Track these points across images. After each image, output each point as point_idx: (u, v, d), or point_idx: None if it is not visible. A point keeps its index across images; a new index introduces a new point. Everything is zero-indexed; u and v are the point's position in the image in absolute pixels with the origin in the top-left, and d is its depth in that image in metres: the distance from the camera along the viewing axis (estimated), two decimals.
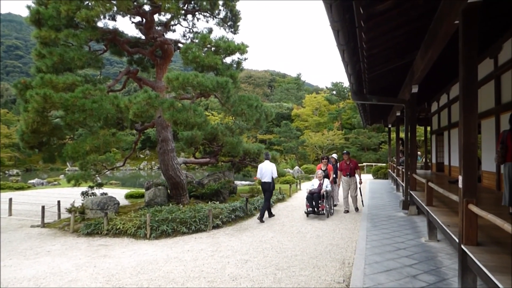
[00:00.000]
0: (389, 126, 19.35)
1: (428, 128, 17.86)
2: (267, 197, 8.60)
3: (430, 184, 6.10)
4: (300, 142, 36.81)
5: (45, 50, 7.77)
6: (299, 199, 12.02)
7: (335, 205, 9.90)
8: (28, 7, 8.21)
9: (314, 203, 8.57)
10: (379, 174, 20.58)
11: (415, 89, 7.87)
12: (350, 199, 9.56)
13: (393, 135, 22.29)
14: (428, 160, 17.62)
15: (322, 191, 8.63)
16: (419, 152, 26.60)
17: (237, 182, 16.58)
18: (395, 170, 14.26)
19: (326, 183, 8.88)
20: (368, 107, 13.56)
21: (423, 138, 22.17)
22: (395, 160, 15.28)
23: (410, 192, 8.41)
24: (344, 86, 51.64)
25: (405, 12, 4.95)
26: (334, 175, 9.91)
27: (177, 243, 6.63)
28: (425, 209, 6.12)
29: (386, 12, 4.67)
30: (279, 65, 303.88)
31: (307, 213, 8.69)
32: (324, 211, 8.55)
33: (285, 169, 17.81)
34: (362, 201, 9.93)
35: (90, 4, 7.82)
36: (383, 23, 4.97)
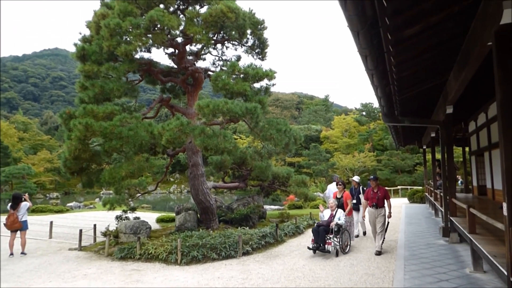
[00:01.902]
0: (424, 147, 18.62)
1: (467, 149, 16.99)
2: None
3: (471, 210, 5.74)
4: (330, 164, 36.17)
5: (88, 83, 8.37)
6: None
7: (356, 235, 8.76)
8: (75, 44, 8.98)
9: (320, 237, 7.27)
10: (415, 198, 19.63)
11: (449, 110, 7.60)
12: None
13: (429, 156, 21.37)
14: (468, 183, 16.63)
15: (332, 224, 7.36)
16: (458, 176, 25.23)
17: (266, 207, 16.44)
18: (433, 194, 13.57)
19: (339, 214, 7.57)
20: (400, 129, 13.19)
21: (461, 159, 21.07)
22: (432, 183, 14.58)
23: (450, 218, 7.93)
24: (374, 106, 50.75)
25: (435, 35, 4.89)
26: (354, 203, 8.59)
27: (207, 270, 6.61)
28: (468, 237, 5.73)
29: (415, 36, 4.63)
30: (307, 87, 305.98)
31: (311, 249, 7.42)
32: (331, 248, 7.23)
33: (315, 193, 17.50)
34: (383, 238, 7.56)
35: (128, 39, 8.39)
36: (412, 46, 4.93)
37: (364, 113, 52.21)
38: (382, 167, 36.59)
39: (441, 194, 9.37)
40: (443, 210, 8.67)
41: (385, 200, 7.44)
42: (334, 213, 7.66)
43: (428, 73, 6.90)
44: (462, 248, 7.26)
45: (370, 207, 7.51)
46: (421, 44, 5.01)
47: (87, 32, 9.86)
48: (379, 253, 7.23)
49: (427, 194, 17.36)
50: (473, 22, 4.41)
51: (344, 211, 7.90)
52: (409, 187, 28.90)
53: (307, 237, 9.48)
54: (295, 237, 9.63)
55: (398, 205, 18.25)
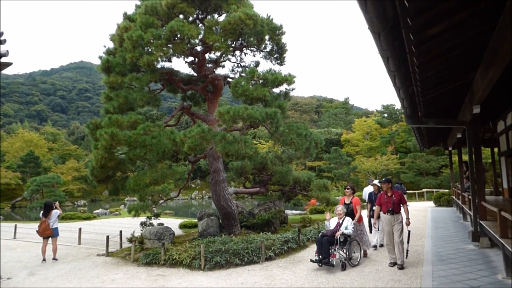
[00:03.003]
0: (450, 148, 18.02)
1: (496, 150, 16.30)
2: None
3: (503, 213, 5.51)
4: (352, 168, 35.56)
5: (113, 93, 8.68)
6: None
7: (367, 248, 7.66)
8: (100, 57, 9.35)
9: (323, 249, 6.62)
10: (441, 201, 18.99)
11: (476, 110, 7.35)
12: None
13: (455, 158, 20.65)
14: (498, 185, 15.93)
15: (337, 234, 6.71)
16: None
17: (288, 212, 16.35)
18: (460, 197, 13.09)
19: (346, 223, 6.88)
20: (424, 130, 12.85)
21: (490, 161, 20.25)
22: (459, 185, 14.07)
23: (480, 222, 7.63)
24: (396, 108, 49.57)
25: (459, 33, 4.77)
26: (373, 207, 7.83)
27: (230, 275, 6.65)
28: (500, 242, 5.50)
29: (438, 35, 4.53)
30: (326, 90, 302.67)
31: (314, 262, 6.74)
32: (335, 261, 6.57)
33: (336, 197, 17.25)
34: (407, 250, 6.80)
35: (150, 49, 8.65)
36: (436, 46, 4.82)
37: (385, 115, 51.07)
38: (406, 170, 35.59)
39: (469, 197, 9.03)
40: (472, 214, 8.35)
41: (402, 205, 6.68)
42: (341, 222, 6.98)
43: (452, 73, 6.71)
44: (494, 253, 6.95)
45: (384, 213, 6.70)
46: (445, 43, 4.90)
47: (111, 45, 10.24)
48: (401, 267, 6.40)
49: (454, 197, 16.76)
50: (500, 19, 4.27)
51: (353, 218, 7.19)
52: (434, 190, 28.00)
53: None
54: None
55: (424, 208, 17.72)
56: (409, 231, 6.79)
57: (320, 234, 7.05)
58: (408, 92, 6.69)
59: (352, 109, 78.75)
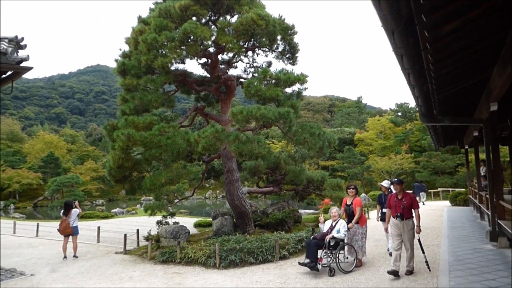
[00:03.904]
0: (466, 147, 17.64)
1: None
2: None
3: None
4: (365, 167, 35.16)
5: (129, 95, 8.89)
6: (368, 229, 11.39)
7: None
8: (116, 60, 9.59)
9: (310, 252, 6.40)
10: (457, 200, 18.61)
11: (494, 107, 7.20)
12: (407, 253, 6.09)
13: (472, 156, 20.18)
14: None
15: (327, 237, 6.39)
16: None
17: (301, 211, 16.34)
18: (477, 196, 12.81)
19: (340, 226, 6.54)
20: (439, 129, 12.63)
21: (508, 159, 19.72)
22: (476, 184, 13.77)
23: (498, 221, 7.48)
24: (410, 106, 48.77)
25: (476, 30, 4.70)
26: (383, 212, 7.37)
27: (245, 274, 6.72)
28: None
29: (454, 32, 4.49)
30: (338, 89, 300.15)
31: (301, 265, 6.45)
32: (321, 266, 6.29)
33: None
34: (426, 261, 6.12)
35: (164, 52, 8.81)
36: (451, 43, 4.76)
37: (399, 113, 50.28)
38: (421, 169, 34.98)
39: (487, 196, 8.85)
40: (489, 213, 8.19)
41: (413, 210, 5.96)
42: (334, 224, 6.62)
43: (468, 70, 6.60)
44: None
45: (393, 217, 6.10)
46: (461, 40, 4.84)
47: (126, 48, 10.48)
48: (410, 272, 5.97)
49: (471, 196, 16.41)
50: None
51: (351, 221, 6.77)
52: (450, 189, 27.44)
53: None
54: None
55: (440, 208, 17.43)
56: (419, 240, 6.06)
57: (312, 237, 6.81)
58: (423, 90, 6.62)
59: (365, 108, 77.82)
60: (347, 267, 6.48)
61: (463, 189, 21.89)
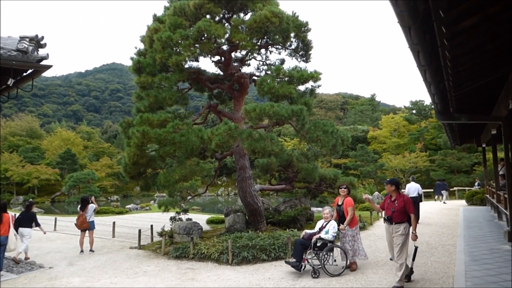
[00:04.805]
0: (483, 145, 17.22)
1: None
2: (416, 207, 10.80)
3: None
4: (379, 165, 34.73)
5: (143, 93, 9.04)
6: (381, 227, 11.27)
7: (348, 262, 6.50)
8: (131, 58, 9.76)
9: (295, 252, 6.34)
10: (474, 199, 18.21)
11: None
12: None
13: (489, 155, 19.70)
14: None
15: (314, 237, 6.26)
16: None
17: (314, 209, 16.27)
18: (495, 196, 12.52)
19: (329, 227, 6.35)
20: (456, 127, 12.37)
21: None
22: (494, 184, 13.45)
23: None
24: (425, 104, 47.85)
25: (495, 26, 4.59)
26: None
27: (257, 270, 6.77)
28: None
29: (472, 28, 4.39)
30: (351, 86, 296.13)
31: (288, 264, 6.37)
32: (305, 267, 6.25)
33: (364, 195, 16.97)
34: (411, 268, 5.49)
35: (179, 50, 8.91)
36: (470, 39, 4.66)
37: (414, 111, 49.37)
38: (436, 168, 34.32)
39: (505, 195, 8.63)
40: (508, 213, 7.99)
41: (409, 213, 5.32)
42: (324, 225, 6.45)
43: (487, 67, 6.44)
44: None
45: (384, 220, 5.67)
46: (480, 36, 4.73)
47: (141, 46, 10.63)
48: (407, 278, 5.38)
49: (488, 195, 16.04)
50: None
51: (343, 222, 6.48)
52: (467, 188, 26.86)
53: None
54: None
55: (455, 207, 17.12)
56: (415, 247, 5.50)
57: (301, 236, 6.69)
58: (439, 87, 6.49)
59: (379, 105, 76.78)
60: (336, 270, 6.24)
61: (480, 188, 21.43)
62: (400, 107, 64.30)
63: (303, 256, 6.25)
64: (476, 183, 22.18)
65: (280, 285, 5.75)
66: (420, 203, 13.28)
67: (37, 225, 8.71)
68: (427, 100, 49.02)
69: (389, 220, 5.43)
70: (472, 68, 6.05)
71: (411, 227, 5.35)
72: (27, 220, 8.64)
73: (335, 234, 6.39)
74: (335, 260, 6.46)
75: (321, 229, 6.47)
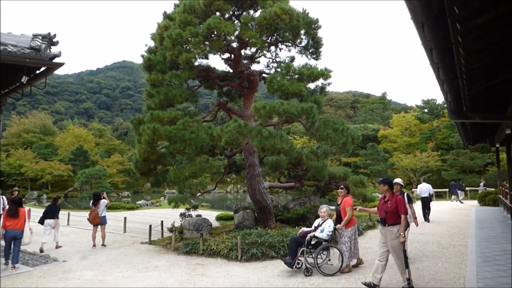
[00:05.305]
0: (497, 145, 16.87)
1: None
2: (427, 207, 12.68)
3: None
4: (389, 165, 34.37)
5: (154, 91, 9.12)
6: None
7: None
8: (142, 56, 9.84)
9: (289, 249, 6.43)
10: (486, 200, 17.91)
11: None
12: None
13: (503, 155, 19.30)
14: None
15: (308, 235, 6.27)
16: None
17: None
18: (508, 196, 12.28)
19: (325, 226, 6.34)
20: (469, 126, 12.14)
21: None
22: (508, 184, 13.18)
23: None
24: (437, 103, 47.09)
25: (510, 23, 4.49)
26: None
27: (266, 267, 6.79)
28: None
29: (487, 24, 4.31)
30: (362, 85, 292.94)
31: (282, 260, 6.45)
32: (297, 265, 6.28)
33: (373, 194, 16.84)
34: (407, 279, 5.02)
35: (189, 47, 8.95)
36: (484, 35, 4.57)
37: (426, 110, 48.64)
38: (448, 167, 33.77)
39: None
40: None
41: (403, 214, 5.10)
42: (320, 223, 6.44)
43: (502, 65, 6.31)
44: None
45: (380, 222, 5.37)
46: (495, 32, 4.63)
47: (152, 43, 10.71)
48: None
49: (501, 196, 15.74)
50: None
51: (340, 221, 6.43)
52: (479, 188, 26.37)
53: (367, 239, 9.22)
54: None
55: (467, 207, 16.86)
56: (404, 251, 5.09)
57: (298, 234, 6.71)
58: (453, 86, 6.39)
59: (390, 104, 75.86)
60: (331, 269, 6.19)
61: (493, 189, 21.06)
62: (411, 105, 63.50)
63: (297, 254, 6.26)
64: (481, 184, 21.75)
65: (289, 282, 5.77)
66: (431, 203, 13.31)
67: (55, 217, 9.22)
68: (440, 98, 48.28)
69: (382, 222, 5.25)
70: (486, 65, 5.94)
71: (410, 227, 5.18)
72: (53, 212, 9.25)
73: (330, 233, 6.35)
74: (329, 260, 6.43)
75: (317, 228, 6.45)
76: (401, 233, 5.03)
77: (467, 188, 27.73)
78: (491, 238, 8.59)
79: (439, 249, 7.77)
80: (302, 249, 6.27)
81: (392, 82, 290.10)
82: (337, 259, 6.34)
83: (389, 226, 5.16)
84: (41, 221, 9.14)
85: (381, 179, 5.62)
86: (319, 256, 6.25)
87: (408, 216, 6.31)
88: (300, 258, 6.32)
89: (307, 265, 6.16)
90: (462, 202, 20.22)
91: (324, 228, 6.32)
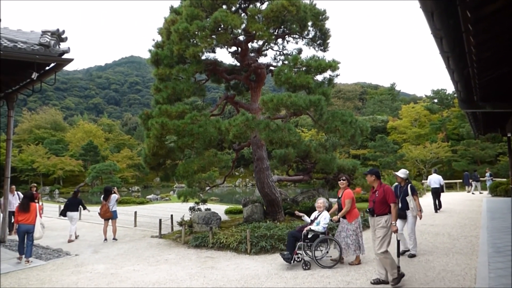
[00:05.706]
0: (509, 135, 16.54)
1: None
2: (438, 197, 12.80)
3: None
4: (399, 156, 34.03)
5: (162, 85, 9.16)
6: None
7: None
8: (149, 50, 9.88)
9: (287, 244, 6.40)
10: (498, 191, 17.67)
11: None
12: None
13: None
14: None
15: (305, 229, 6.24)
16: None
17: (332, 200, 16.18)
18: None
19: (321, 218, 6.32)
20: (480, 116, 11.92)
21: None
22: None
23: None
24: (447, 93, 46.29)
25: None
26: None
27: (276, 260, 6.83)
28: None
29: (498, 12, 4.20)
30: (370, 76, 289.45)
31: (281, 256, 6.39)
32: (294, 261, 6.16)
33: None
34: (398, 267, 4.91)
35: (196, 41, 8.95)
36: (495, 24, 4.46)
37: (435, 100, 47.88)
38: (458, 158, 33.31)
39: None
40: None
41: (392, 204, 5.01)
42: (317, 216, 6.41)
43: None
44: None
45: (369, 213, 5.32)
46: (506, 20, 4.52)
47: (159, 38, 10.72)
48: (378, 282, 5.04)
49: None
50: None
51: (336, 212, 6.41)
52: (485, 179, 26.01)
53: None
54: (364, 231, 9.38)
55: (479, 198, 16.66)
56: (398, 241, 5.12)
57: (297, 228, 6.66)
58: (463, 75, 6.27)
59: (399, 95, 74.84)
60: (328, 262, 6.19)
61: (505, 179, 20.73)
62: (421, 96, 62.53)
63: (295, 248, 6.23)
64: (487, 174, 21.37)
65: (299, 274, 5.80)
66: (442, 194, 13.36)
67: (84, 208, 10.25)
68: (450, 88, 47.52)
69: (371, 212, 5.19)
70: (498, 54, 5.80)
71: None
72: (74, 205, 9.92)
73: (326, 226, 6.33)
74: (327, 252, 6.41)
75: (313, 221, 6.42)
76: (393, 222, 4.97)
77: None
78: (503, 229, 8.49)
79: (450, 240, 7.71)
80: (299, 243, 6.25)
81: (401, 72, 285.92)
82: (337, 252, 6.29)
83: (377, 217, 5.11)
84: (64, 214, 9.54)
85: (369, 170, 5.52)
86: (317, 249, 6.23)
87: (411, 208, 6.31)
88: (298, 252, 6.28)
89: (305, 259, 6.16)
90: (481, 193, 19.94)
91: (320, 220, 6.30)
